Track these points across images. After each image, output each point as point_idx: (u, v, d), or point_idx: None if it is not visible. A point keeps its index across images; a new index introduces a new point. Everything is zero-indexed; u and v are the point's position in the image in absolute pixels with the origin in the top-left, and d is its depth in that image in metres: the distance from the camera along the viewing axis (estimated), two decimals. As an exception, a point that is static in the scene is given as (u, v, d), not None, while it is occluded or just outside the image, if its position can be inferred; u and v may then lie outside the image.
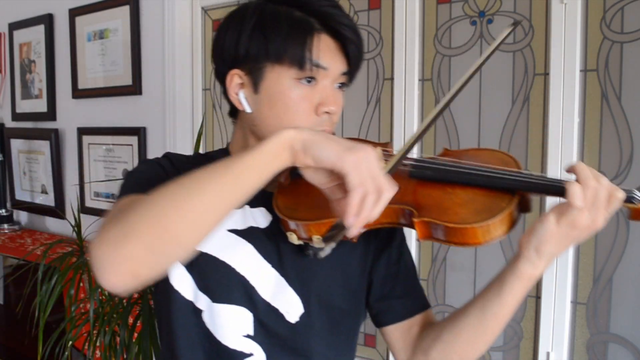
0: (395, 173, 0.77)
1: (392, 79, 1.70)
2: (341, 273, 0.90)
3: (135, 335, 1.79)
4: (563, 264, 1.43)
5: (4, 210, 2.83)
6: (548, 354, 1.46)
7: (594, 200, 0.69)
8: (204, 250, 0.86)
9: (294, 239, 0.81)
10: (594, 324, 1.42)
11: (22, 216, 2.97)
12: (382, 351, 1.77)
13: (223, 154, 0.95)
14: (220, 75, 0.88)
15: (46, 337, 1.90)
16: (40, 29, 2.67)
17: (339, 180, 0.69)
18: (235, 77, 0.85)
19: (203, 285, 0.86)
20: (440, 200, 0.76)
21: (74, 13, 2.49)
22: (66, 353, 1.88)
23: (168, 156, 0.93)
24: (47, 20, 2.63)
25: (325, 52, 0.82)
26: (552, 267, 1.44)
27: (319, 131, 0.72)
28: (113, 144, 2.41)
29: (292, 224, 0.80)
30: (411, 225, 0.75)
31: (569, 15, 1.39)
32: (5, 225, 2.80)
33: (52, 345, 1.91)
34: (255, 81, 0.83)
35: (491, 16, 1.54)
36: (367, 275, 0.93)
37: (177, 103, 2.17)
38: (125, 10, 2.28)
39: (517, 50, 1.50)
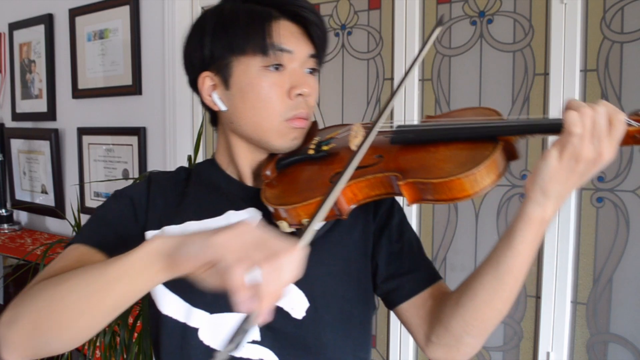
0: (375, 143, 0.77)
1: (392, 79, 1.70)
2: (342, 260, 0.88)
3: (135, 335, 1.79)
4: (563, 264, 1.43)
5: (4, 210, 2.83)
6: (548, 354, 1.46)
7: (593, 127, 0.65)
8: None
9: (285, 226, 0.81)
10: (594, 324, 1.42)
11: (22, 216, 2.97)
12: (382, 351, 1.77)
13: (209, 165, 0.96)
14: (193, 83, 0.89)
15: (46, 337, 1.89)
16: (40, 29, 2.67)
17: None
18: (207, 80, 0.87)
19: (197, 300, 0.84)
20: (424, 160, 0.75)
21: (74, 13, 2.49)
22: (66, 353, 1.88)
23: (149, 177, 0.94)
24: (47, 20, 2.63)
25: (288, 36, 0.83)
26: (552, 267, 1.44)
27: (193, 231, 0.66)
28: (113, 144, 2.41)
29: (281, 211, 0.80)
30: (399, 192, 0.74)
31: (569, 15, 1.39)
32: (5, 225, 2.80)
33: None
34: (225, 78, 0.85)
35: (491, 16, 1.54)
36: (369, 259, 0.91)
37: (177, 103, 2.17)
38: (125, 10, 2.28)
39: (517, 50, 1.50)
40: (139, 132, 2.28)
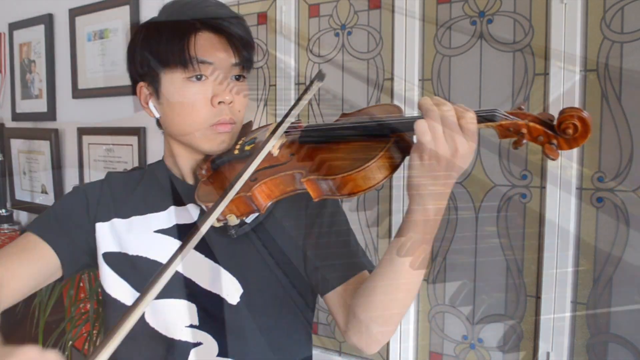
0: (287, 142, 0.86)
1: (392, 79, 1.70)
2: (275, 247, 0.93)
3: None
4: (563, 264, 1.43)
5: (4, 210, 2.83)
6: (548, 354, 1.46)
7: (443, 129, 0.69)
8: (134, 253, 0.93)
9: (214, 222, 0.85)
10: (594, 324, 1.42)
11: (22, 216, 2.97)
12: (382, 351, 1.77)
13: (159, 165, 1.04)
14: (134, 92, 0.97)
15: (46, 337, 1.90)
16: (40, 29, 2.67)
17: None
18: (143, 89, 0.95)
19: (140, 284, 0.90)
20: (326, 158, 0.81)
21: (74, 13, 2.49)
22: (66, 353, 1.88)
23: (106, 176, 1.04)
24: (47, 20, 2.63)
25: (208, 48, 0.88)
26: (552, 267, 1.44)
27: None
28: (113, 144, 2.41)
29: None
30: (304, 188, 0.79)
31: (569, 15, 1.39)
32: (5, 225, 2.80)
33: (52, 345, 1.91)
34: (155, 89, 0.92)
35: (491, 16, 1.54)
36: (301, 246, 0.95)
37: (177, 103, 2.16)
38: (125, 10, 2.28)
39: (517, 50, 1.50)
40: (139, 132, 2.28)
